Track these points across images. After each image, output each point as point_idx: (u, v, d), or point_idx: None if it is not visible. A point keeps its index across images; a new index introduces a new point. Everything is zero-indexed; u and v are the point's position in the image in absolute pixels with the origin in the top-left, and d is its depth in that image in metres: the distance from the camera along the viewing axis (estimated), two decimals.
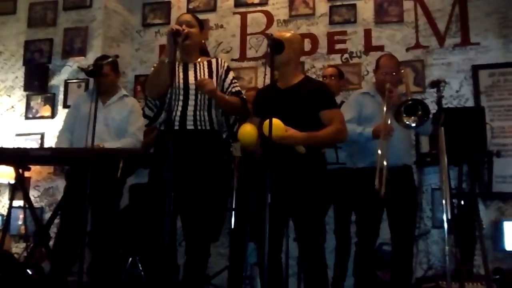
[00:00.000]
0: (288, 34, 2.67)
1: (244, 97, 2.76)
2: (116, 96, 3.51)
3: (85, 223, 2.81)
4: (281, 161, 2.44)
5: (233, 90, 2.71)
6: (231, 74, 2.77)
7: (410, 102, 2.94)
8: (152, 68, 2.70)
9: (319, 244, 2.55)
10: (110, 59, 3.22)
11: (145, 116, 2.76)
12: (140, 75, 5.00)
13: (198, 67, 2.71)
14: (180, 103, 2.60)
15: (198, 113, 2.62)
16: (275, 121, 2.31)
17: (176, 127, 2.57)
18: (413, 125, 2.94)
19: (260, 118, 2.65)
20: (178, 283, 3.03)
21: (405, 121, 2.94)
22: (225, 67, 2.76)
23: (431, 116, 2.92)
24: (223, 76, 2.73)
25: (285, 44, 2.52)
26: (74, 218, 3.16)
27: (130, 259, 3.44)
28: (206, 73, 2.70)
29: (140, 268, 3.42)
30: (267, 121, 2.26)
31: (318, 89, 2.61)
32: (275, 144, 2.31)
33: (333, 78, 3.90)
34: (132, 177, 3.62)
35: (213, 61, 2.77)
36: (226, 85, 2.72)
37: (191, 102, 2.61)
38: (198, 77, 2.66)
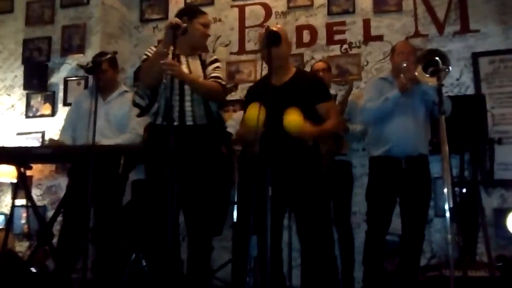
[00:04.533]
0: (280, 29, 2.69)
1: (223, 82, 2.75)
2: (117, 92, 3.52)
3: (88, 220, 2.82)
4: (282, 154, 2.46)
5: (212, 74, 2.72)
6: (216, 64, 2.78)
7: (425, 58, 2.86)
8: (144, 56, 2.71)
9: (325, 235, 2.57)
10: (108, 56, 3.22)
11: (135, 104, 2.74)
12: None
13: (190, 60, 2.72)
14: (177, 97, 2.60)
15: (196, 108, 2.63)
16: (295, 116, 2.38)
17: (175, 123, 2.58)
18: (441, 82, 2.75)
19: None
20: (182, 277, 3.05)
21: (430, 81, 2.83)
22: (213, 58, 2.80)
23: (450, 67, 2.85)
24: (208, 65, 2.75)
25: (284, 39, 2.55)
26: (77, 215, 3.17)
27: (134, 254, 3.45)
28: (199, 67, 2.72)
29: (144, 264, 3.43)
30: (289, 113, 2.37)
31: (314, 83, 2.68)
32: (276, 138, 2.34)
33: (325, 71, 3.87)
34: (134, 173, 3.62)
35: (203, 54, 2.81)
36: (208, 72, 2.73)
37: (188, 98, 2.62)
38: (192, 70, 2.67)
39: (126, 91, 3.58)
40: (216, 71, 2.74)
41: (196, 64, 2.72)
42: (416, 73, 2.91)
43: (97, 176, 2.76)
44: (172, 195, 2.20)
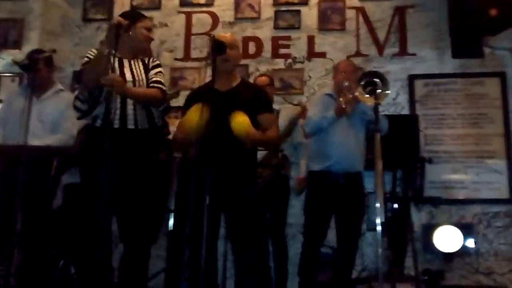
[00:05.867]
0: (229, 36, 2.71)
1: (164, 88, 2.72)
2: (51, 90, 3.40)
3: (15, 223, 2.69)
4: (220, 161, 2.45)
5: (154, 79, 2.70)
6: (158, 68, 2.76)
7: (365, 78, 2.90)
8: (85, 59, 2.64)
9: (260, 245, 2.58)
10: (45, 54, 3.11)
11: (75, 108, 2.67)
12: None
13: (133, 64, 2.69)
14: (118, 100, 2.54)
15: (138, 112, 2.59)
16: (243, 118, 2.41)
17: (116, 126, 2.53)
18: (380, 102, 2.83)
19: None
20: (112, 286, 2.96)
21: (369, 102, 2.86)
22: (155, 63, 2.78)
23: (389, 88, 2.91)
24: (150, 69, 2.73)
25: (228, 46, 2.55)
26: (3, 218, 3.01)
27: (62, 261, 3.31)
28: (142, 71, 2.69)
29: (73, 271, 3.30)
30: (237, 116, 2.40)
31: (259, 94, 2.71)
32: (216, 144, 2.35)
33: (268, 86, 3.89)
34: (66, 176, 3.49)
35: (146, 59, 2.78)
36: (150, 75, 2.71)
37: (130, 101, 2.57)
38: (134, 74, 2.64)
39: (61, 90, 3.46)
40: (158, 76, 2.72)
41: (138, 68, 2.70)
42: (357, 93, 2.99)
43: (27, 177, 2.64)
44: (105, 201, 2.14)
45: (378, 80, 2.85)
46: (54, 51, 3.24)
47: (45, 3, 4.72)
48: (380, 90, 2.80)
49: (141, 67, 2.70)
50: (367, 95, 2.83)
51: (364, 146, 3.40)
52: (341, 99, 3.14)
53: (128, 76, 2.61)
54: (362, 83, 2.89)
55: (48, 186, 3.10)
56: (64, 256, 3.31)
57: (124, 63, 2.66)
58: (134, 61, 2.70)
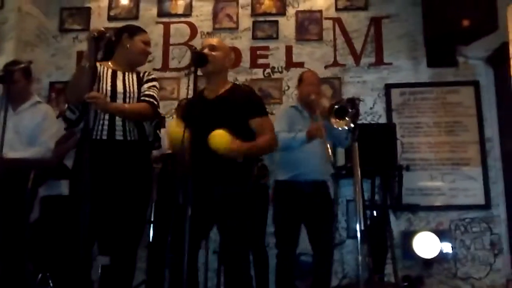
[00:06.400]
0: (215, 40, 2.72)
1: (155, 102, 2.68)
2: (29, 102, 3.34)
3: None
4: (209, 171, 2.43)
5: (146, 92, 2.67)
6: (152, 82, 2.74)
7: (337, 106, 2.87)
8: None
9: (245, 254, 2.55)
10: (22, 65, 3.07)
11: (65, 119, 2.65)
12: (56, 82, 4.78)
13: (127, 76, 2.68)
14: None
15: (127, 122, 2.58)
16: (222, 134, 2.32)
17: (105, 137, 2.52)
18: (347, 128, 2.77)
19: (190, 129, 2.60)
20: None
21: (337, 125, 2.81)
22: (151, 77, 2.76)
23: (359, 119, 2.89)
24: (144, 83, 2.71)
25: (217, 48, 2.57)
26: None
27: (40, 275, 3.25)
28: (135, 83, 2.68)
29: (51, 285, 3.24)
30: (215, 133, 2.30)
31: (249, 96, 2.62)
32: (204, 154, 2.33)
33: None
34: (43, 189, 3.44)
35: (141, 73, 2.77)
36: (143, 89, 2.68)
37: None
38: (127, 86, 2.63)
39: (39, 102, 3.41)
40: (151, 90, 2.69)
41: (132, 81, 2.68)
42: (335, 125, 2.91)
43: (3, 190, 2.60)
44: (84, 213, 2.12)
45: (348, 107, 2.83)
46: (31, 62, 3.18)
47: (21, 13, 4.65)
48: (351, 113, 2.78)
49: (135, 80, 2.69)
50: (340, 120, 2.81)
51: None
52: (311, 127, 3.14)
53: (120, 88, 2.60)
54: (335, 108, 2.85)
55: (25, 199, 3.04)
56: (42, 270, 3.26)
57: (118, 75, 2.65)
58: (128, 74, 2.69)
